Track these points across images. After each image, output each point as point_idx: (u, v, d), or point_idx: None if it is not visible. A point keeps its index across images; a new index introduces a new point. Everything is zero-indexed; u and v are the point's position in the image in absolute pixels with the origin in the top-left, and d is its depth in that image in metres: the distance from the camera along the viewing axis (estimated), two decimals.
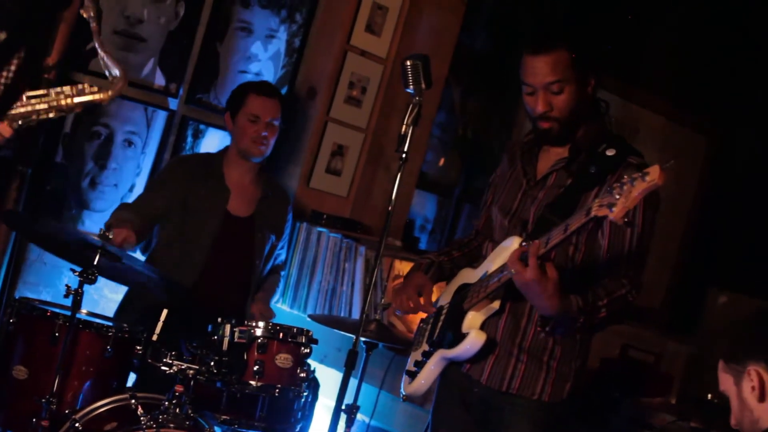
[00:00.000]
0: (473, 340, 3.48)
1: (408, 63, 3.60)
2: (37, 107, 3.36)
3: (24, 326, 4.00)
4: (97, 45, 3.41)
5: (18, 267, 4.95)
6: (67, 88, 3.41)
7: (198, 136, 5.48)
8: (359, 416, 4.17)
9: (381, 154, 6.02)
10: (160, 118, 5.32)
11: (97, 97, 3.40)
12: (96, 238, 3.85)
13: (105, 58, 3.40)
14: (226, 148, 4.94)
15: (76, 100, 3.38)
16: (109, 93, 3.42)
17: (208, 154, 5.13)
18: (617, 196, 2.99)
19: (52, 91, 3.41)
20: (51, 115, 3.40)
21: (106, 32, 5.02)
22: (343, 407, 3.74)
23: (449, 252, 3.92)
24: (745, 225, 7.57)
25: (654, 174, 2.95)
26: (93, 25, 3.40)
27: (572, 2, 6.75)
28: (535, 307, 3.37)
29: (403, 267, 5.33)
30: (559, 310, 3.26)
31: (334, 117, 5.81)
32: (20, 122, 3.37)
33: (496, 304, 3.51)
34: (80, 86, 3.42)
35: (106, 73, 3.42)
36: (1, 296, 4.85)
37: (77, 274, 3.83)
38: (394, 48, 5.94)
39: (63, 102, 3.37)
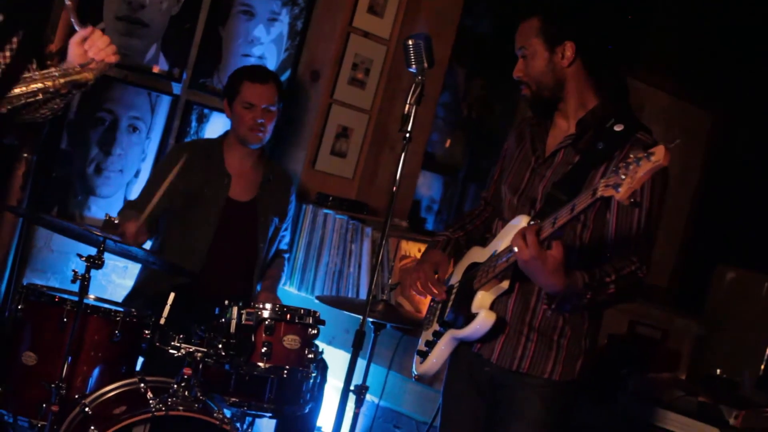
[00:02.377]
0: (483, 320, 3.48)
1: (410, 42, 3.60)
2: (26, 90, 3.36)
3: (32, 313, 4.01)
4: (74, 24, 3.39)
5: (25, 254, 4.96)
6: (52, 69, 3.40)
7: (202, 120, 5.48)
8: (368, 397, 4.19)
9: (386, 136, 6.02)
10: (164, 103, 5.32)
11: (82, 76, 3.39)
12: (101, 228, 3.85)
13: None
14: (227, 133, 4.94)
15: (63, 80, 3.37)
16: (94, 72, 3.41)
17: (208, 140, 5.13)
18: (623, 177, 2.98)
19: (38, 73, 3.40)
20: (38, 97, 3.39)
21: (109, 18, 5.02)
22: (352, 388, 3.75)
23: (463, 226, 3.92)
24: (752, 201, 7.56)
25: (659, 154, 2.94)
26: (68, 2, 3.38)
27: None
28: (539, 284, 3.37)
29: (409, 247, 5.34)
30: (563, 287, 3.26)
31: (338, 99, 5.81)
32: (9, 106, 3.37)
33: (506, 284, 3.51)
34: (65, 66, 3.41)
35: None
36: (9, 283, 4.87)
37: (84, 259, 3.84)
38: (397, 29, 5.93)
39: (50, 83, 3.36)
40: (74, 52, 3.43)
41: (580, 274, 3.29)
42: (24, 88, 3.34)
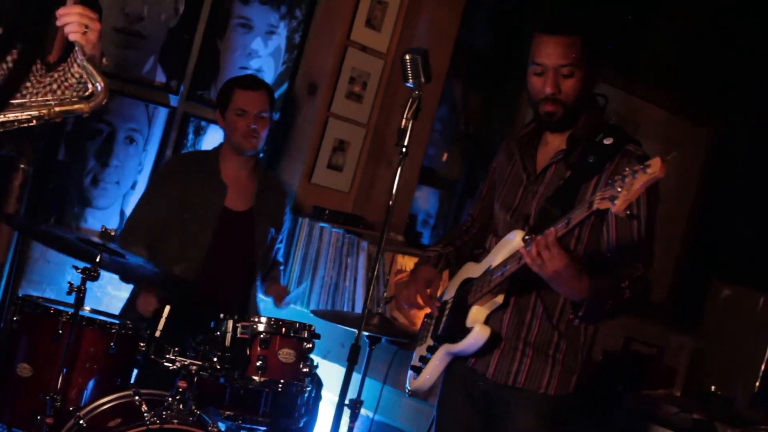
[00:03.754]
0: (477, 334, 3.48)
1: (407, 57, 3.60)
2: (20, 116, 3.34)
3: (28, 324, 4.01)
4: (79, 54, 3.36)
5: (21, 265, 4.96)
6: (49, 97, 3.38)
7: (199, 132, 5.48)
8: (363, 411, 4.18)
9: (382, 149, 6.03)
10: (162, 115, 5.33)
11: (77, 107, 3.37)
12: (97, 238, 3.86)
13: (87, 68, 3.36)
14: (221, 145, 4.94)
15: (57, 109, 3.35)
16: (90, 104, 3.38)
17: (203, 152, 5.14)
18: (619, 189, 2.99)
19: (35, 101, 3.38)
20: (32, 123, 3.37)
21: (107, 30, 5.02)
22: (347, 402, 3.75)
23: (453, 242, 3.92)
24: (749, 218, 7.57)
25: (655, 166, 2.94)
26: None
27: None
28: (565, 294, 3.33)
29: (405, 262, 5.34)
30: (587, 291, 3.24)
31: (335, 112, 5.82)
32: (1, 129, 3.35)
33: (500, 298, 3.51)
34: (63, 96, 3.39)
35: (88, 85, 3.37)
36: (5, 294, 4.87)
37: (80, 271, 3.84)
38: (395, 43, 5.94)
39: (46, 111, 3.34)
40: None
41: (599, 279, 3.28)
42: (19, 115, 3.32)
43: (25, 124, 3.34)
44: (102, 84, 3.36)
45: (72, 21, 3.27)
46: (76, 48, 3.32)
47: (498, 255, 3.51)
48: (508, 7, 6.95)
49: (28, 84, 3.51)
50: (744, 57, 7.65)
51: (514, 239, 3.44)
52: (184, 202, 4.75)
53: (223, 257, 4.81)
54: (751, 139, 7.95)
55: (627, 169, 3.00)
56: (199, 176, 4.83)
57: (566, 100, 3.47)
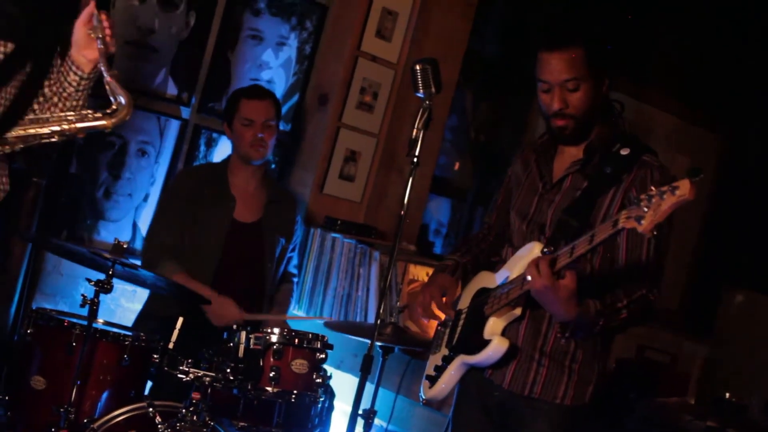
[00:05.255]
0: (496, 346, 3.47)
1: (417, 67, 3.60)
2: (40, 131, 3.34)
3: (41, 337, 4.01)
4: (103, 69, 3.35)
5: (35, 278, 4.97)
6: (70, 114, 3.38)
7: (211, 144, 5.49)
8: (377, 421, 4.18)
9: (394, 159, 6.03)
10: (173, 127, 5.34)
11: (99, 123, 3.37)
12: (110, 252, 3.87)
13: (111, 84, 3.36)
14: (230, 157, 4.96)
15: (79, 125, 3.35)
16: (113, 120, 3.37)
17: (211, 164, 5.15)
18: (645, 209, 2.96)
19: (55, 116, 3.38)
20: (53, 139, 3.37)
21: (118, 43, 5.04)
22: (360, 412, 3.74)
23: (470, 250, 3.90)
24: (760, 224, 7.55)
25: (684, 189, 2.92)
26: (100, 46, 3.35)
27: (581, 5, 6.75)
28: (551, 313, 3.37)
29: (417, 271, 5.34)
30: (575, 316, 3.26)
31: (347, 123, 5.82)
32: (23, 144, 3.36)
33: (518, 311, 3.49)
34: (84, 112, 3.39)
35: (111, 99, 3.37)
36: (19, 307, 4.87)
37: (93, 283, 3.84)
38: (405, 53, 5.95)
39: (66, 127, 3.34)
40: (79, 33, 3.40)
41: (592, 302, 3.28)
42: (38, 129, 3.33)
43: (47, 140, 3.35)
44: (125, 99, 3.37)
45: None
46: (100, 62, 3.33)
47: (515, 267, 3.49)
48: (518, 17, 6.95)
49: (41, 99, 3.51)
50: (755, 63, 7.64)
51: (532, 251, 3.43)
52: (194, 215, 4.77)
53: (234, 269, 4.82)
54: (762, 145, 7.95)
55: (653, 188, 2.97)
56: (208, 189, 4.84)
57: (575, 114, 3.47)
